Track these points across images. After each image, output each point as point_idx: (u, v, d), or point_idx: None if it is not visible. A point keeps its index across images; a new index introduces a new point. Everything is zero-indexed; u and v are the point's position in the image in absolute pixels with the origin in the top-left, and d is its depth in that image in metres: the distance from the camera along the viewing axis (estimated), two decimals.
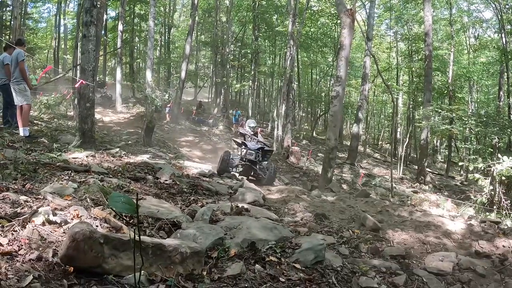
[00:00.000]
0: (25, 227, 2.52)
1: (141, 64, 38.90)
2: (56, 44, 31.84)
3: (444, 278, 4.10)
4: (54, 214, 2.85)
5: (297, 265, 3.16)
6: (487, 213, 10.15)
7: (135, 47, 36.07)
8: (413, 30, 31.09)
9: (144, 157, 9.14)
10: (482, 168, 11.53)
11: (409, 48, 32.04)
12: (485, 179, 11.21)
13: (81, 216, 3.02)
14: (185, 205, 4.96)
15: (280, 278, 2.80)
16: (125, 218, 3.22)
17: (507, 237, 5.46)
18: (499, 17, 25.44)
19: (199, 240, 3.04)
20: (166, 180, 6.36)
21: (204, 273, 2.55)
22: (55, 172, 4.78)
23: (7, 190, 3.39)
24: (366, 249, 4.81)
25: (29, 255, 2.13)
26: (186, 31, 28.98)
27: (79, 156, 6.76)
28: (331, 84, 30.94)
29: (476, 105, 35.72)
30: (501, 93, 27.24)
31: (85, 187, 4.03)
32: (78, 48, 21.26)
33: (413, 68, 29.90)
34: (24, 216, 2.65)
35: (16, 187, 3.67)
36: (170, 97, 21.45)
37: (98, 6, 9.74)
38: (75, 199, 3.60)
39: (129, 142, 13.47)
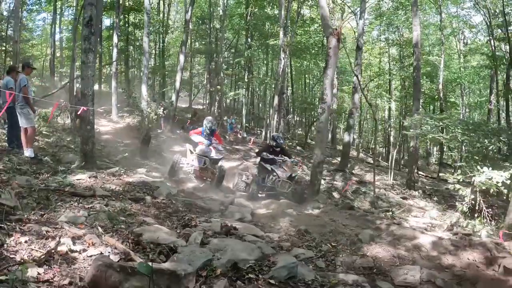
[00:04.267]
0: (53, 257, 3.19)
1: (135, 72, 39.30)
2: (52, 53, 32.13)
3: None
4: (74, 244, 3.52)
5: (272, 281, 3.83)
6: (469, 221, 10.73)
7: (130, 56, 36.43)
8: (404, 35, 31.49)
9: (142, 172, 9.86)
10: (463, 179, 12.09)
11: (400, 53, 32.73)
12: (465, 189, 11.78)
13: (95, 243, 3.70)
14: (181, 224, 5.64)
15: None
16: (131, 244, 3.92)
17: (473, 250, 5.83)
18: (488, 23, 26.12)
19: (191, 262, 3.71)
20: (163, 200, 7.05)
21: None
22: (65, 198, 5.45)
23: (29, 222, 4.05)
24: (341, 262, 5.39)
25: (62, 281, 2.79)
26: (180, 38, 29.46)
27: (82, 177, 7.43)
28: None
29: (468, 109, 36.40)
30: (491, 97, 27.68)
31: (94, 215, 4.73)
32: (75, 61, 21.97)
33: (403, 76, 30.53)
34: (52, 248, 3.32)
35: (36, 218, 4.33)
36: (165, 110, 21.95)
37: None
38: (87, 227, 4.30)
39: (126, 154, 14.04)
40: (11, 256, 3.09)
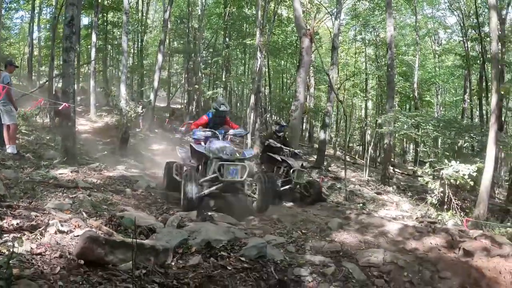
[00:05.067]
0: (44, 236, 3.57)
1: (114, 71, 39.23)
2: (30, 52, 31.90)
3: (369, 269, 5.04)
4: (62, 225, 3.88)
5: (243, 258, 4.24)
6: (439, 213, 11.29)
7: (108, 55, 36.38)
8: (380, 35, 32.03)
9: (121, 169, 10.17)
10: (432, 172, 12.67)
11: (376, 53, 33.45)
12: (434, 182, 12.36)
13: (80, 226, 4.08)
14: (159, 213, 6.05)
15: (228, 267, 3.89)
16: (113, 226, 4.31)
17: (436, 236, 6.26)
18: (462, 24, 26.92)
19: (169, 241, 4.12)
20: (142, 192, 7.43)
21: (173, 263, 3.67)
22: (49, 189, 5.80)
23: (19, 208, 4.38)
24: (310, 247, 5.81)
25: (53, 254, 3.16)
26: (159, 37, 29.62)
27: (65, 172, 7.75)
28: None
29: (443, 108, 37.32)
30: (465, 96, 28.58)
31: (79, 203, 5.11)
32: (54, 60, 22.03)
33: (378, 75, 31.24)
34: (42, 228, 3.70)
35: (24, 204, 4.67)
36: (144, 109, 22.13)
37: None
38: (73, 213, 4.68)
39: (105, 152, 14.28)
40: (5, 235, 3.45)
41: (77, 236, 3.71)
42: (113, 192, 6.80)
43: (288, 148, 10.58)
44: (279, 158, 10.10)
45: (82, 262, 3.07)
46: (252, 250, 4.48)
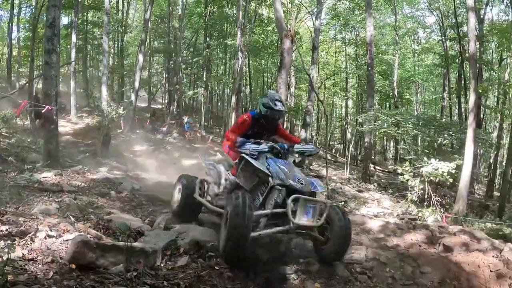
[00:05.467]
0: (34, 241, 3.63)
1: (94, 72, 38.85)
2: (9, 52, 31.35)
3: (352, 266, 5.19)
4: (51, 230, 3.95)
5: None
6: (419, 210, 11.54)
7: (88, 55, 36.02)
8: (361, 35, 32.10)
9: (104, 171, 10.18)
10: (412, 170, 12.93)
11: (356, 52, 33.77)
12: (414, 179, 12.61)
13: (69, 230, 4.16)
14: (145, 215, 6.12)
15: (215, 267, 4.02)
16: (102, 229, 4.39)
17: (416, 232, 6.54)
18: (441, 23, 27.36)
19: (157, 242, 4.22)
20: (127, 194, 7.49)
21: (162, 264, 3.79)
22: (35, 193, 5.84)
23: (6, 214, 4.43)
24: (293, 245, 5.84)
25: (45, 259, 3.24)
26: (139, 37, 29.45)
27: (48, 175, 7.76)
28: None
29: (422, 106, 37.84)
30: (444, 94, 29.13)
31: (65, 207, 5.16)
32: (34, 61, 21.76)
33: (359, 74, 31.60)
34: (31, 233, 3.76)
35: (12, 210, 4.71)
36: (124, 110, 21.98)
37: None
38: (60, 217, 4.74)
39: (87, 154, 14.20)
40: None
41: (67, 240, 3.78)
42: (98, 195, 6.86)
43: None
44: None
45: (74, 266, 3.16)
46: None
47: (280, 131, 6.13)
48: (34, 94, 18.51)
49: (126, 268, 3.16)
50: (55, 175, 7.83)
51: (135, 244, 3.83)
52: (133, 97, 23.95)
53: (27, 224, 4.13)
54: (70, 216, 4.82)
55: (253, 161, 5.11)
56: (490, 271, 5.21)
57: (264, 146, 5.31)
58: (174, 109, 30.99)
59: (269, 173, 4.93)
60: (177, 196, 6.17)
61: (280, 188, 4.81)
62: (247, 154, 5.20)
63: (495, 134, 26.80)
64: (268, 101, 5.58)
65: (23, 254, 3.28)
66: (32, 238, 3.68)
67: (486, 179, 27.21)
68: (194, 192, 5.92)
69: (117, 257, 3.29)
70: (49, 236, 3.82)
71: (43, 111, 9.27)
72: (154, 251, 3.70)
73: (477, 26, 19.62)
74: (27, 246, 3.53)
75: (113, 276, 3.16)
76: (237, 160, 5.55)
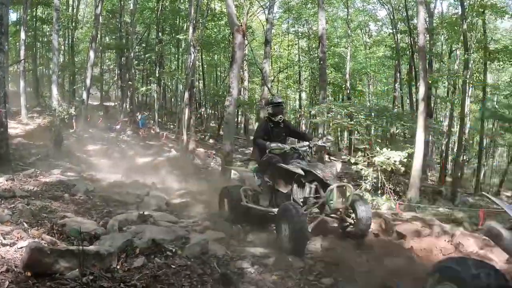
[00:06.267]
0: None
1: (44, 70, 37.75)
2: None
3: (308, 256, 5.39)
4: (4, 238, 3.96)
5: (186, 256, 4.49)
6: (374, 198, 11.93)
7: (38, 53, 34.97)
8: (313, 28, 32.60)
9: (57, 173, 10.06)
10: (366, 159, 13.34)
11: (309, 45, 34.27)
12: (367, 169, 13.02)
13: (23, 237, 4.17)
14: (100, 217, 6.13)
15: (172, 266, 4.12)
16: (56, 234, 4.42)
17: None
18: (392, 17, 28.18)
19: (112, 244, 4.28)
20: (81, 196, 7.47)
21: (118, 266, 3.85)
22: None
23: None
24: (251, 239, 6.15)
25: (0, 269, 3.26)
26: (90, 33, 28.85)
27: (0, 180, 7.62)
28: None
29: (375, 97, 38.87)
30: (396, 85, 30.22)
31: (18, 213, 5.14)
32: None
33: (311, 67, 32.10)
34: None
35: None
36: (76, 109, 21.59)
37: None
38: (13, 224, 4.73)
39: (39, 156, 13.92)
40: None
41: (21, 248, 3.80)
42: (51, 199, 6.82)
43: (306, 143, 6.80)
44: (298, 171, 5.94)
45: (29, 274, 3.20)
46: (195, 247, 4.77)
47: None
48: None
49: (81, 273, 3.22)
50: (6, 180, 7.72)
51: (90, 247, 3.87)
52: (84, 95, 23.51)
53: None
54: (24, 223, 4.81)
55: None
56: (443, 255, 5.51)
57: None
58: (127, 106, 30.64)
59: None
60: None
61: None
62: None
63: (446, 123, 27.97)
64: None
65: None
66: None
67: (439, 166, 28.34)
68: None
69: (72, 262, 3.34)
70: (3, 245, 3.84)
71: None
72: (109, 254, 3.76)
73: (427, 19, 20.36)
74: None
75: (69, 282, 3.21)
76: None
